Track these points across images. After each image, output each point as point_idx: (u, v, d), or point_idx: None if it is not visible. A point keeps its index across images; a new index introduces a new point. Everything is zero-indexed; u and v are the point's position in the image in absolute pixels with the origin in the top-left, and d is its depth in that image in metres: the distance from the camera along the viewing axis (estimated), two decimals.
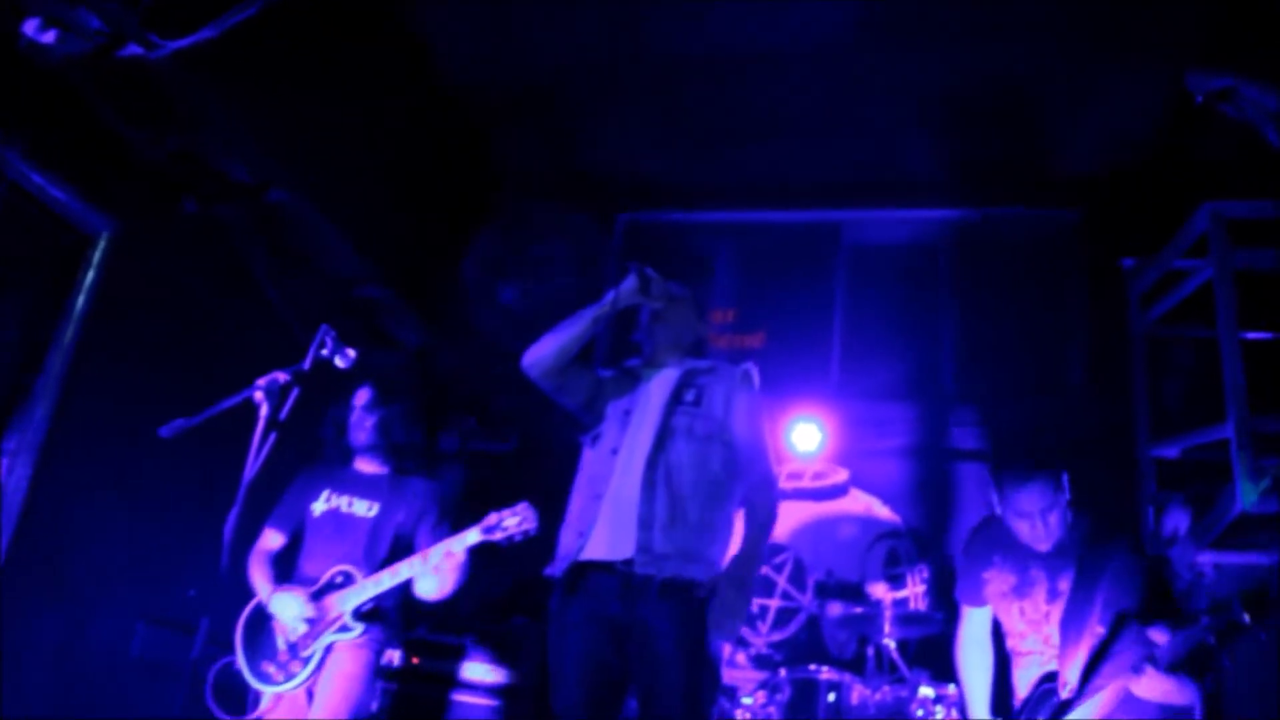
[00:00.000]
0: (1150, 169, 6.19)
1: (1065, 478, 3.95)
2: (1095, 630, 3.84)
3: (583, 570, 3.42)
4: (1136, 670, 3.55)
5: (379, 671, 4.53)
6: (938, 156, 6.81)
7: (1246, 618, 3.33)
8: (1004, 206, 6.98)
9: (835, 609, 5.46)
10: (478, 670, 5.86)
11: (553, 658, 3.46)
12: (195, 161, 4.56)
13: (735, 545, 3.54)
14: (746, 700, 5.11)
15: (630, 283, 3.61)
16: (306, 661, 4.28)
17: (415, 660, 5.66)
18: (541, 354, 3.63)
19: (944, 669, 5.14)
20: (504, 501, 5.51)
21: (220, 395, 3.78)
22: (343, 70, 5.03)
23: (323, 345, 3.87)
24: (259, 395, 3.77)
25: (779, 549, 6.66)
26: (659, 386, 3.65)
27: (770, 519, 3.56)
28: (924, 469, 6.55)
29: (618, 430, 3.56)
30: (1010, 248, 6.97)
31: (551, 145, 6.77)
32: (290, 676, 4.25)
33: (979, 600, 4.21)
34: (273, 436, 3.75)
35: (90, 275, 4.83)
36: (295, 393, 3.79)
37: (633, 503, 3.39)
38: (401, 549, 4.53)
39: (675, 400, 3.58)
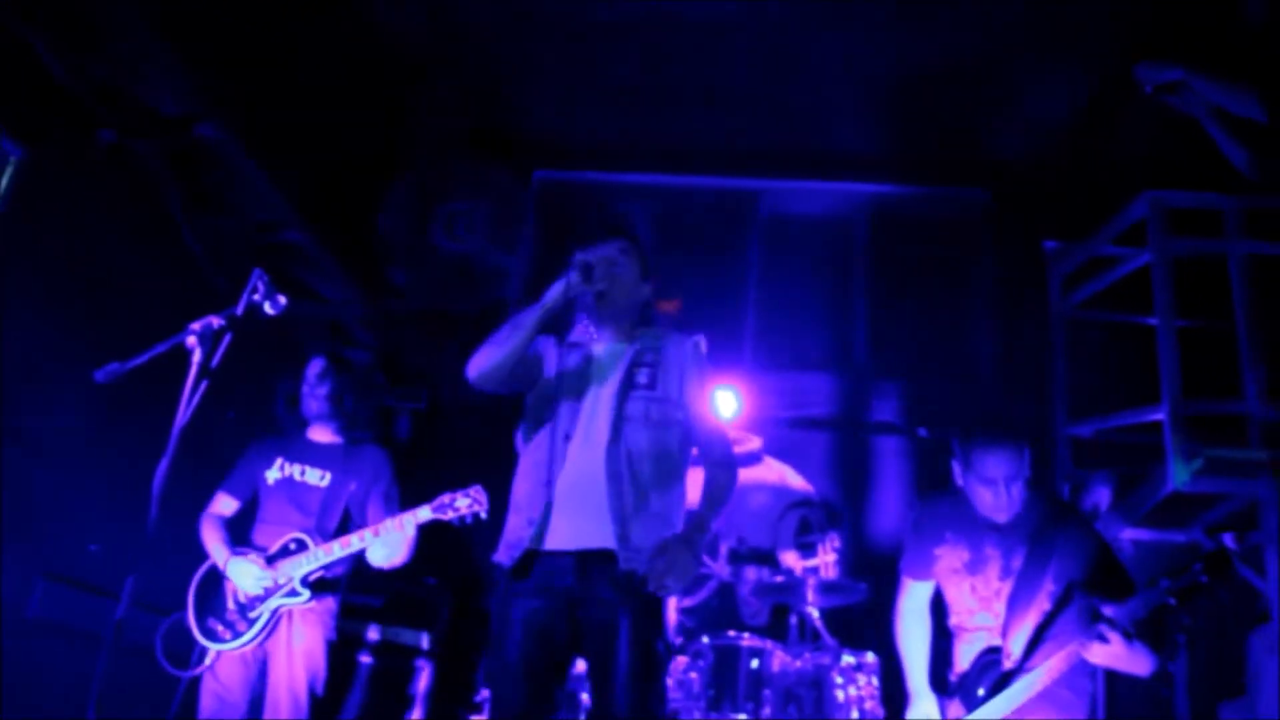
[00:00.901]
0: (1065, 157, 6.33)
1: (1028, 452, 3.96)
2: (1043, 605, 3.89)
3: (536, 558, 3.29)
4: (1090, 637, 3.59)
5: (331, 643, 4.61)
6: (860, 132, 6.85)
7: (1206, 578, 3.44)
8: (921, 185, 7.08)
9: (751, 575, 5.48)
10: (392, 632, 5.76)
11: (495, 645, 3.31)
12: (118, 93, 4.28)
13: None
14: None
15: (573, 277, 3.36)
16: (253, 622, 4.40)
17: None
18: (485, 368, 3.42)
19: (858, 638, 5.27)
20: (416, 460, 5.42)
21: (124, 339, 3.58)
22: (275, 10, 4.78)
23: (255, 290, 3.67)
24: (191, 340, 3.59)
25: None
26: (610, 367, 3.49)
27: (728, 497, 3.47)
28: (836, 440, 6.63)
29: (569, 417, 3.39)
30: (926, 225, 7.08)
31: (472, 99, 6.59)
32: (237, 635, 4.38)
33: (926, 575, 4.20)
34: (204, 384, 3.61)
35: None
36: (227, 339, 3.65)
37: (596, 493, 3.27)
38: (353, 518, 4.68)
39: (628, 384, 3.43)
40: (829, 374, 6.75)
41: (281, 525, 4.53)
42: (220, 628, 4.41)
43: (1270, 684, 4.94)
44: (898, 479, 6.55)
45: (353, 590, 5.62)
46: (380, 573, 5.67)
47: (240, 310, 3.59)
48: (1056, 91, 6.16)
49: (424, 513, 4.29)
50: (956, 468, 4.06)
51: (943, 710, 4.07)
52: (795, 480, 6.44)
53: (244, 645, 4.38)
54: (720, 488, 3.46)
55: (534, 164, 7.22)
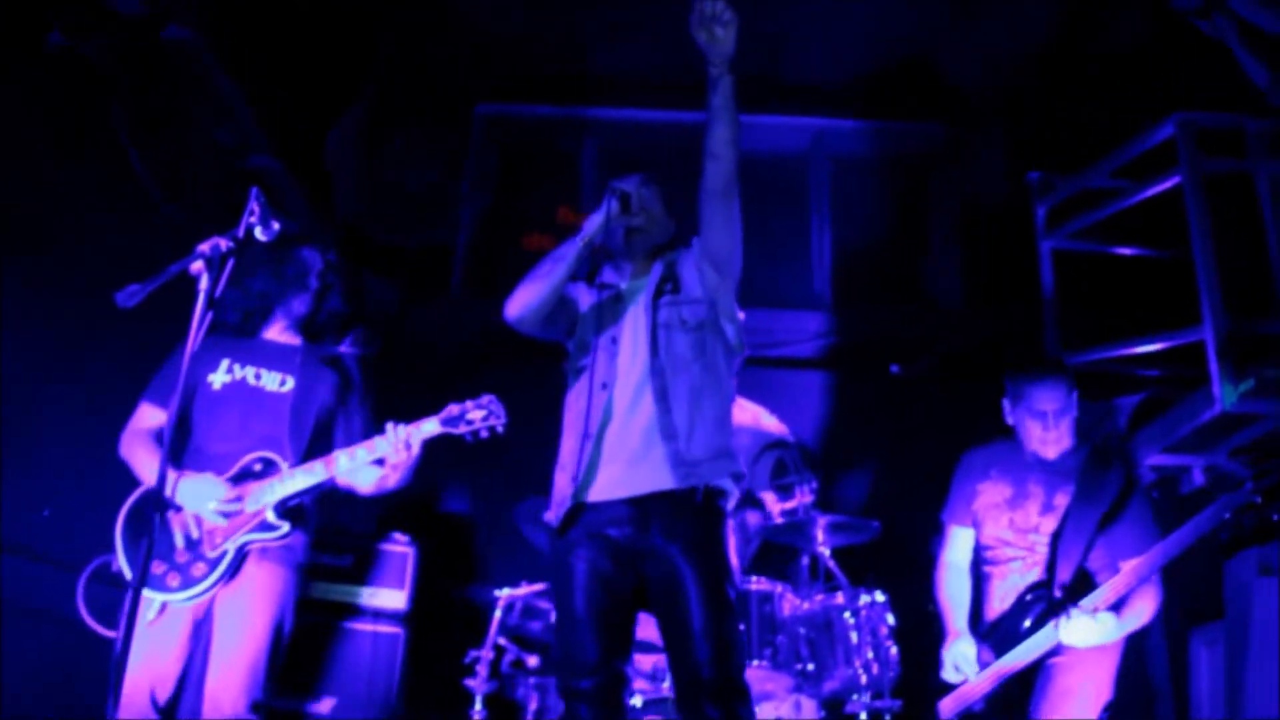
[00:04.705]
0: (1031, 89, 6.26)
1: (1075, 390, 4.08)
2: (1090, 558, 3.96)
3: (584, 508, 3.23)
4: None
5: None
6: (816, 65, 6.67)
7: (1260, 498, 3.46)
8: (880, 119, 6.94)
9: (753, 520, 5.30)
10: (362, 593, 5.36)
11: (559, 599, 3.25)
12: None
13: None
14: None
15: (613, 207, 3.33)
16: (214, 564, 3.62)
17: None
18: (530, 305, 3.36)
19: (859, 578, 5.14)
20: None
21: (61, 272, 3.14)
22: None
23: (252, 213, 3.28)
24: (198, 266, 3.18)
25: None
26: (643, 298, 3.38)
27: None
28: (805, 380, 6.48)
29: (606, 361, 3.32)
30: (885, 159, 6.99)
31: (418, 27, 6.14)
32: (192, 582, 3.59)
33: (967, 518, 4.26)
34: (209, 316, 3.21)
35: None
36: (230, 265, 3.21)
37: (641, 433, 3.19)
38: (324, 432, 3.94)
39: (657, 295, 3.35)
40: (795, 312, 6.58)
41: (236, 440, 3.74)
42: (167, 572, 3.57)
43: (1264, 607, 5.02)
44: (869, 417, 6.43)
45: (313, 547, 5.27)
46: (343, 530, 5.37)
47: (241, 233, 3.22)
48: (1015, 25, 6.07)
49: (430, 426, 3.70)
50: (1006, 404, 4.18)
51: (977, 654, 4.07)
52: (769, 421, 6.23)
53: (203, 594, 3.58)
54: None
55: (476, 97, 6.79)
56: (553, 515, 3.32)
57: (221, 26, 4.10)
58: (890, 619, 4.77)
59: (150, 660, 3.53)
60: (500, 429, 3.73)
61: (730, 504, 3.27)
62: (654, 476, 3.16)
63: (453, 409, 3.74)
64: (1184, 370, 5.28)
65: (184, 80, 4.18)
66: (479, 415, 3.72)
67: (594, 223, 3.33)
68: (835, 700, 4.77)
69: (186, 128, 4.45)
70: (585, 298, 3.51)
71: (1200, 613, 5.53)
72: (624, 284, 3.46)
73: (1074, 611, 3.73)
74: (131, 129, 4.29)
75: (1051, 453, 4.05)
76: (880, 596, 4.83)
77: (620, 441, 3.21)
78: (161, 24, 3.87)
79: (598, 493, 3.20)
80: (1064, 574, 3.90)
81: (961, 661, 4.02)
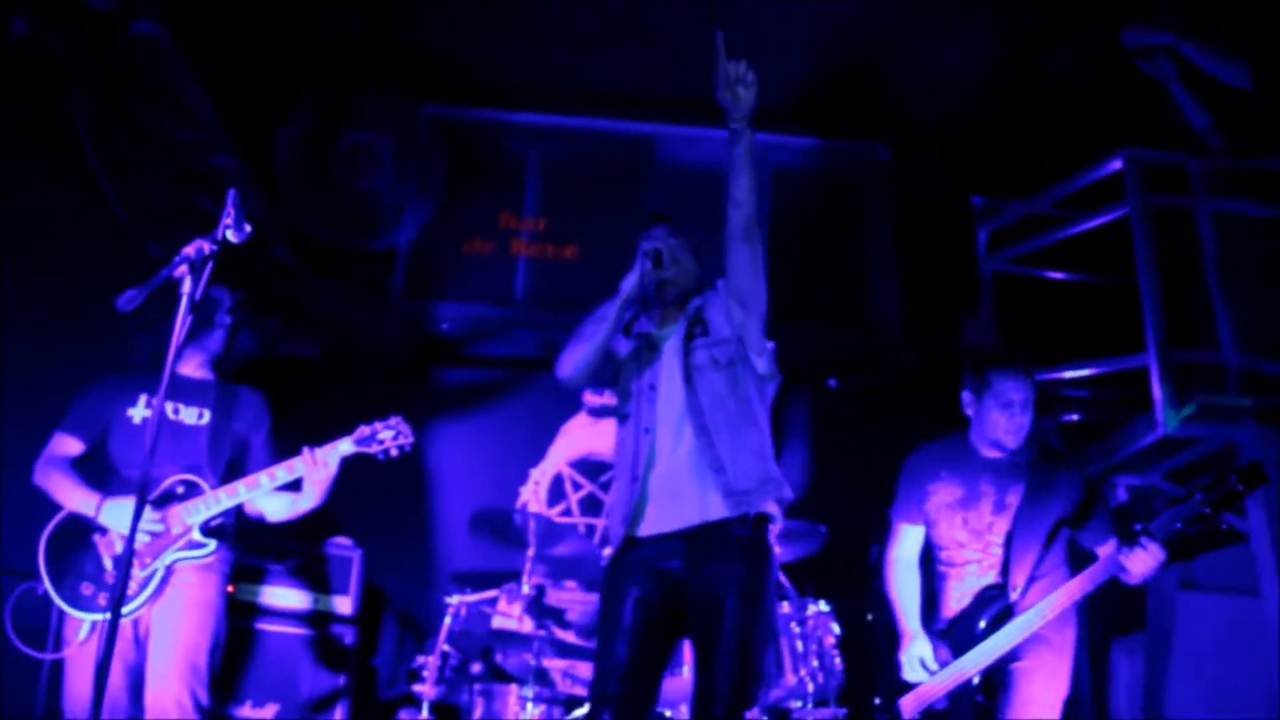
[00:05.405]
0: (972, 114, 6.41)
1: None
2: (1044, 549, 4.02)
3: (637, 542, 3.41)
4: (1133, 547, 3.73)
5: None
6: (759, 78, 6.74)
7: (1241, 486, 3.61)
8: (821, 137, 7.05)
9: None
10: (293, 598, 5.30)
11: (605, 611, 3.41)
12: None
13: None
14: None
15: (646, 266, 3.50)
16: (145, 583, 3.82)
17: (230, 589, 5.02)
18: (577, 366, 3.53)
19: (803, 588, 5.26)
20: (306, 411, 4.97)
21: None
22: None
23: (228, 215, 3.27)
24: (182, 270, 3.20)
25: (606, 466, 6.46)
26: (673, 344, 3.54)
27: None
28: None
29: (647, 407, 3.49)
30: (825, 178, 7.08)
31: (366, 21, 6.08)
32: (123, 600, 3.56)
33: (917, 517, 4.27)
34: (189, 320, 3.21)
35: None
36: (209, 269, 3.24)
37: (687, 472, 3.35)
38: (239, 460, 4.15)
39: (689, 339, 3.51)
40: None
41: (158, 468, 3.86)
42: (94, 592, 3.77)
43: (1187, 619, 5.27)
44: (805, 430, 6.55)
45: (255, 552, 5.21)
46: (286, 533, 5.30)
47: (220, 234, 3.20)
48: (958, 54, 6.22)
49: (345, 446, 3.96)
50: (967, 396, 4.18)
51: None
52: None
53: (135, 611, 3.77)
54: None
55: (423, 98, 6.74)
56: (608, 551, 3.54)
57: (188, 23, 4.02)
58: (835, 628, 4.92)
59: (88, 681, 3.48)
60: (408, 448, 4.02)
61: (776, 529, 3.40)
62: (703, 508, 3.32)
63: (364, 430, 3.99)
64: (1109, 394, 5.53)
65: (147, 74, 4.09)
66: (389, 435, 3.99)
67: (630, 282, 3.50)
68: (780, 709, 4.87)
69: (143, 124, 4.36)
70: (623, 346, 3.65)
71: (1120, 624, 5.77)
72: (655, 330, 3.63)
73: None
74: (90, 121, 4.20)
75: (1013, 441, 4.08)
76: (824, 606, 4.98)
77: (667, 479, 3.38)
78: (131, 18, 3.79)
79: (648, 527, 3.38)
80: (1018, 577, 3.97)
81: (922, 661, 4.06)
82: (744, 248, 3.41)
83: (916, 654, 4.09)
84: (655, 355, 3.55)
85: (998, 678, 3.96)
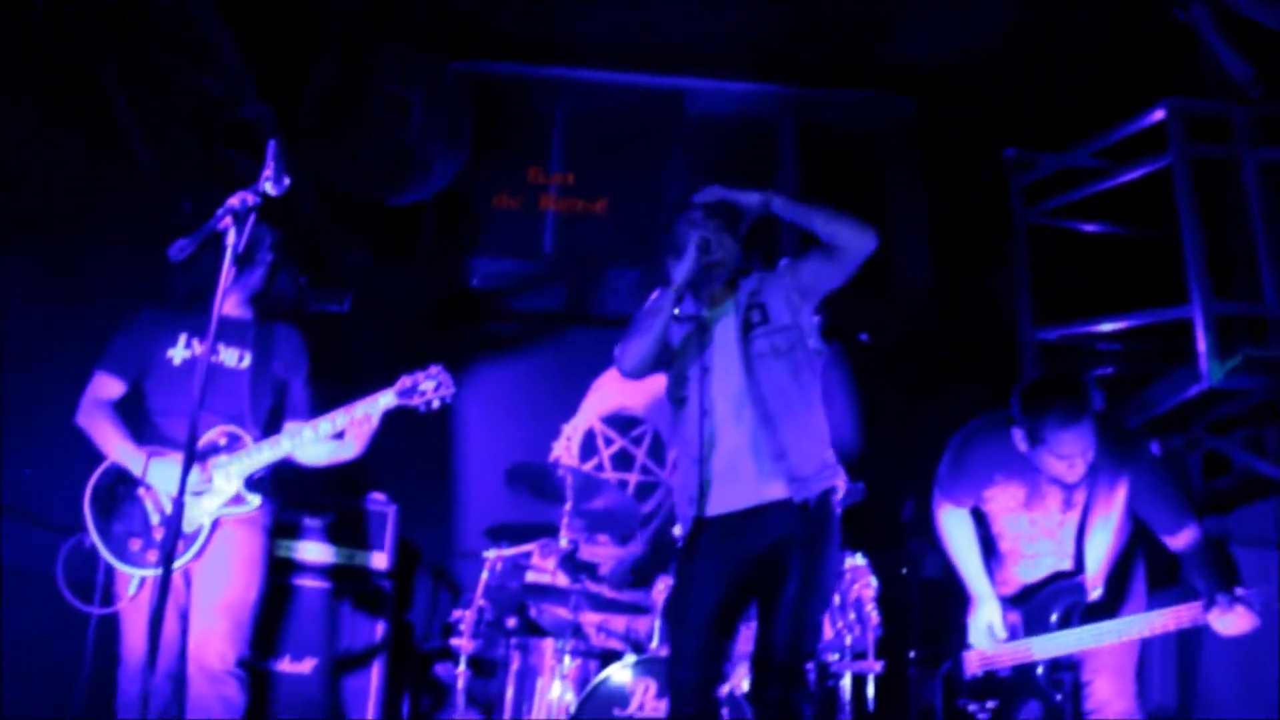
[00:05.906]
0: (999, 67, 6.31)
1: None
2: (1120, 538, 3.98)
3: (706, 524, 3.50)
4: (1227, 606, 3.70)
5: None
6: (787, 30, 6.67)
7: None
8: (846, 88, 6.99)
9: None
10: (328, 553, 5.30)
11: (676, 603, 3.66)
12: None
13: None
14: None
15: (695, 254, 3.52)
16: (191, 539, 3.79)
17: None
18: (639, 359, 3.62)
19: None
20: (337, 366, 4.96)
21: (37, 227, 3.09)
22: None
23: (268, 166, 3.23)
24: (227, 221, 3.19)
25: (637, 421, 6.48)
26: (727, 328, 3.61)
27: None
28: None
29: (700, 390, 3.54)
30: (851, 130, 7.02)
31: None
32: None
33: (967, 503, 4.21)
34: (233, 273, 3.21)
35: None
36: (251, 221, 3.19)
37: (747, 454, 3.44)
38: (280, 406, 4.11)
39: (747, 328, 3.56)
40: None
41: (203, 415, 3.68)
42: (141, 548, 3.76)
43: None
44: (838, 384, 6.52)
45: (291, 506, 5.20)
46: (322, 488, 5.30)
47: (261, 186, 3.20)
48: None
49: (387, 398, 3.90)
50: (1019, 435, 3.91)
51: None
52: None
53: (181, 567, 3.75)
54: None
55: (451, 53, 6.68)
56: (679, 531, 3.71)
57: None
58: (873, 581, 4.91)
59: (144, 633, 3.60)
60: (449, 399, 3.97)
61: (839, 497, 3.49)
62: (769, 491, 3.41)
63: (405, 381, 3.92)
64: (1143, 346, 5.47)
65: (175, 26, 4.04)
66: (430, 385, 3.92)
67: (682, 272, 3.52)
68: (819, 662, 4.87)
69: (171, 77, 4.31)
70: (676, 332, 3.71)
71: (1152, 579, 5.75)
72: (705, 311, 3.67)
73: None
74: (119, 76, 4.16)
75: (1074, 479, 3.89)
76: (861, 560, 4.96)
77: (730, 460, 3.46)
78: None
79: (714, 507, 3.46)
80: (1096, 576, 3.94)
81: (990, 628, 4.05)
82: (844, 260, 3.47)
83: (985, 620, 4.08)
84: (706, 338, 3.61)
85: (1066, 675, 3.96)
